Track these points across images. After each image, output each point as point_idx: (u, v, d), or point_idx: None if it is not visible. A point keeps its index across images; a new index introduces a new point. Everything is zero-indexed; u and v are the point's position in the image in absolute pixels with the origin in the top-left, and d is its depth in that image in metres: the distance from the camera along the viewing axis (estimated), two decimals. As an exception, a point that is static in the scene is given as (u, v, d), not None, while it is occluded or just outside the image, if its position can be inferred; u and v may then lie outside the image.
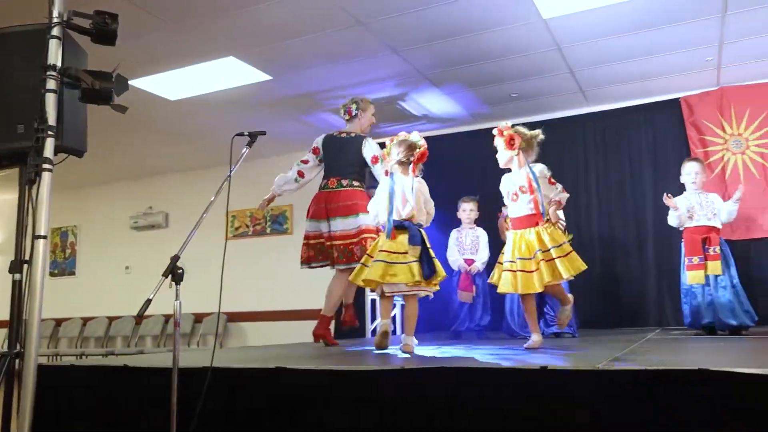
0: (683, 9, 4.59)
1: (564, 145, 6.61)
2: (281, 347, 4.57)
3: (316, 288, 7.54)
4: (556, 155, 6.63)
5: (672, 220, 4.67)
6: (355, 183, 4.38)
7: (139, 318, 2.38)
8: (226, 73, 5.48)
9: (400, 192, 3.43)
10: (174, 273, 2.22)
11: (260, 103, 6.24)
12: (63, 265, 9.41)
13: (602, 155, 6.52)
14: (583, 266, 3.28)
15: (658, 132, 6.31)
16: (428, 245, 3.38)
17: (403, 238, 3.34)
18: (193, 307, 7.59)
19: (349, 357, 3.21)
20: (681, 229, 4.70)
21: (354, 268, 3.61)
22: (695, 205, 4.58)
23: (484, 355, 2.93)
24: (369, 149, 4.42)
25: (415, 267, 3.27)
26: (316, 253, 4.44)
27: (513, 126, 3.61)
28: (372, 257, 3.37)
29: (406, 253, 3.30)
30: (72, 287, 9.20)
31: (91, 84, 2.17)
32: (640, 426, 1.79)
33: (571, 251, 3.29)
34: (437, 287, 3.45)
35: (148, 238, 8.76)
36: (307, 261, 4.51)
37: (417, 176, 3.57)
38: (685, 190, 4.81)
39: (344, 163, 4.43)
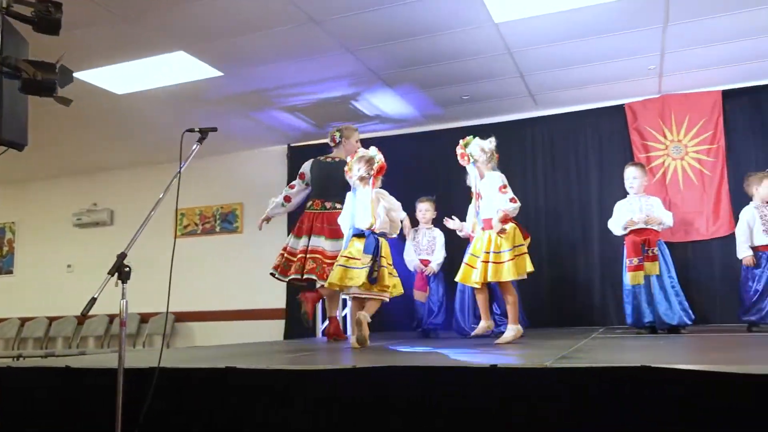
0: (628, 19, 4.74)
1: (513, 148, 6.73)
2: (231, 347, 4.51)
3: (267, 287, 7.50)
4: (506, 157, 6.71)
5: (617, 229, 4.76)
6: (338, 206, 4.54)
7: (82, 318, 2.31)
8: (176, 68, 5.37)
9: (360, 204, 3.78)
10: (121, 271, 2.16)
11: (211, 99, 6.13)
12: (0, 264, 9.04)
13: (550, 158, 6.67)
14: (527, 270, 3.69)
15: (604, 137, 6.50)
16: (382, 255, 3.67)
17: (360, 246, 3.66)
18: (139, 306, 7.39)
19: (300, 356, 3.19)
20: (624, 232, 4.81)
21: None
22: (636, 209, 4.71)
23: (438, 353, 2.96)
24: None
25: (363, 273, 3.59)
26: (285, 266, 4.83)
27: (474, 137, 4.00)
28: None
29: (360, 260, 3.63)
30: (9, 286, 8.84)
31: (32, 74, 2.09)
32: (587, 421, 1.83)
33: (523, 253, 3.69)
34: (391, 294, 3.77)
35: (91, 235, 8.50)
36: (280, 271, 4.86)
37: (378, 188, 3.89)
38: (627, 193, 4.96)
39: (329, 186, 4.79)
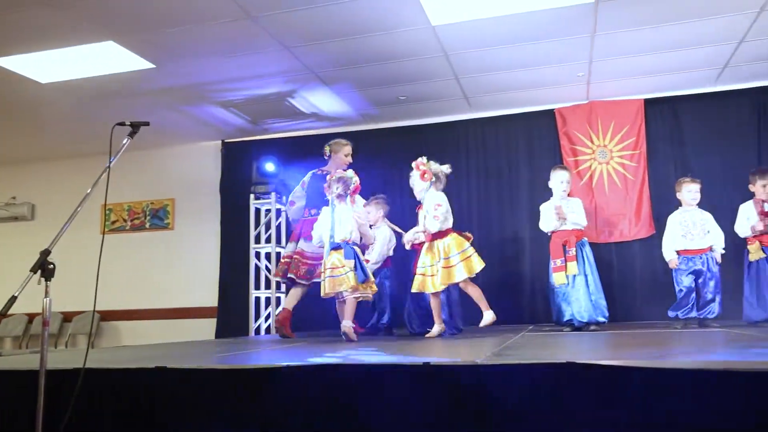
0: (559, 27, 4.91)
1: (447, 149, 6.83)
2: (161, 347, 4.39)
3: (199, 285, 7.36)
4: (440, 158, 6.82)
5: (548, 225, 4.90)
6: None
7: (0, 317, 2.20)
8: (105, 58, 5.18)
9: (338, 220, 4.31)
10: (44, 268, 2.07)
11: (142, 91, 5.94)
12: None
13: (483, 160, 6.82)
14: (480, 266, 4.23)
15: (534, 140, 6.70)
16: (361, 257, 4.27)
17: (340, 255, 4.22)
18: (61, 305, 7.11)
19: (233, 355, 3.14)
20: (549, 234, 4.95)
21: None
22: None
23: (372, 352, 2.98)
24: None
25: (352, 276, 4.14)
26: (282, 270, 5.25)
27: (427, 161, 4.45)
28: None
29: (344, 266, 4.17)
30: None
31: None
32: (517, 416, 1.89)
33: (470, 255, 4.22)
34: (374, 290, 4.36)
35: (10, 231, 8.09)
36: (274, 273, 5.46)
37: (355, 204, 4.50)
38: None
39: (318, 196, 4.98)
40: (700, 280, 4.68)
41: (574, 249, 4.67)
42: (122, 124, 2.54)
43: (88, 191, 2.35)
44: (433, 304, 4.36)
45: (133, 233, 7.77)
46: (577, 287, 4.65)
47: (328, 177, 4.51)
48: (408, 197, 6.50)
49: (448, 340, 4.08)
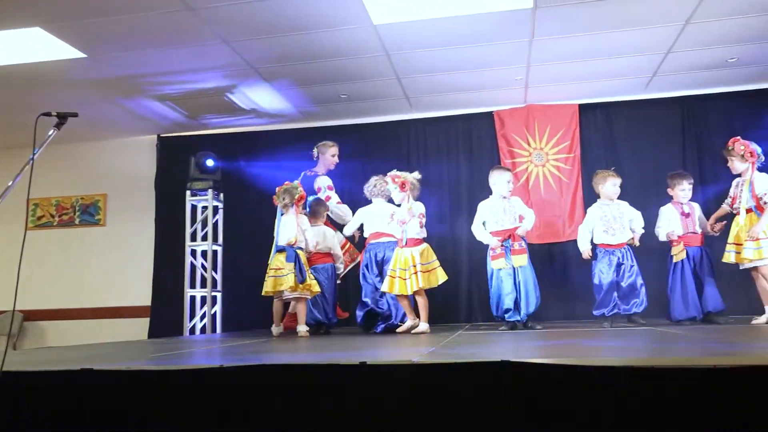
0: (498, 30, 4.99)
1: (389, 149, 6.89)
2: (89, 347, 4.22)
3: (131, 283, 7.14)
4: (381, 158, 6.89)
5: (483, 237, 4.96)
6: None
7: None
8: (31, 45, 4.94)
9: (283, 226, 4.88)
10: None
11: (73, 82, 5.70)
12: None
13: (423, 160, 6.88)
14: (440, 280, 4.53)
15: (474, 141, 6.80)
16: (303, 260, 4.81)
17: (283, 257, 4.78)
18: (-20, 304, 6.75)
19: (165, 356, 3.05)
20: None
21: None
22: (500, 210, 4.93)
23: (312, 351, 2.95)
24: (315, 184, 5.60)
25: (292, 277, 4.71)
26: None
27: (400, 171, 4.68)
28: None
29: (284, 268, 4.74)
30: None
31: None
32: (452, 415, 1.91)
33: (435, 268, 4.52)
34: (315, 291, 4.88)
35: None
36: None
37: (302, 212, 5.05)
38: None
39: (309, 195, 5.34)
40: (620, 273, 4.77)
41: (522, 242, 4.76)
42: (48, 114, 2.43)
43: (9, 184, 2.23)
44: (404, 303, 4.63)
45: (62, 229, 7.45)
46: (519, 279, 4.71)
47: (277, 188, 5.00)
48: (348, 196, 6.52)
49: (388, 337, 4.09)
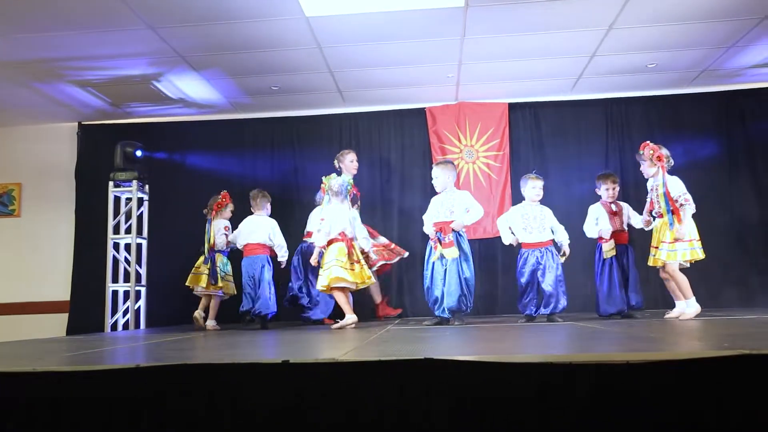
0: (430, 27, 5.03)
1: (321, 143, 6.85)
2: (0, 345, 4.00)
3: (48, 277, 6.81)
4: (313, 152, 6.85)
5: (426, 229, 5.00)
6: None
7: None
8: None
9: (211, 232, 5.60)
10: None
11: (-18, 64, 5.37)
12: None
13: (356, 155, 6.86)
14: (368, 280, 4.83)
15: (407, 137, 6.85)
16: (216, 264, 5.50)
17: (202, 259, 5.58)
18: None
19: (82, 355, 2.93)
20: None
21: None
22: (438, 204, 4.99)
23: (237, 348, 2.89)
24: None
25: (205, 278, 5.49)
26: None
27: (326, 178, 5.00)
28: None
29: (201, 267, 5.56)
30: None
31: None
32: (377, 414, 1.90)
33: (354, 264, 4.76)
34: (228, 292, 5.64)
35: None
36: None
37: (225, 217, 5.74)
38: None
39: None
40: (538, 273, 4.87)
41: (451, 234, 4.79)
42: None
43: None
44: (344, 298, 4.78)
45: (-29, 220, 7.03)
46: (447, 272, 4.75)
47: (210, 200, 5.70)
48: (280, 189, 6.43)
49: (313, 334, 4.06)
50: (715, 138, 6.55)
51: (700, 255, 4.58)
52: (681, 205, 4.57)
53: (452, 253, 4.76)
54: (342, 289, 4.78)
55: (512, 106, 6.73)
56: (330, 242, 4.83)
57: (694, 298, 4.57)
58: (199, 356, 2.58)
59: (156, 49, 5.25)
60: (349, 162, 5.88)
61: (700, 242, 4.60)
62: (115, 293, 6.55)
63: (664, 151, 4.71)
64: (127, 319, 6.49)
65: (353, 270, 4.75)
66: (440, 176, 4.98)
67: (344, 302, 4.79)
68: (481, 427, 1.82)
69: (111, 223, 6.54)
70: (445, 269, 4.76)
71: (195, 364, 2.09)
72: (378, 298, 5.99)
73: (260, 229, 5.39)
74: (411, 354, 2.22)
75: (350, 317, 4.71)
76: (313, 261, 5.01)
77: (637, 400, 1.74)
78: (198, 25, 4.83)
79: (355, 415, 1.92)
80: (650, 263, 4.82)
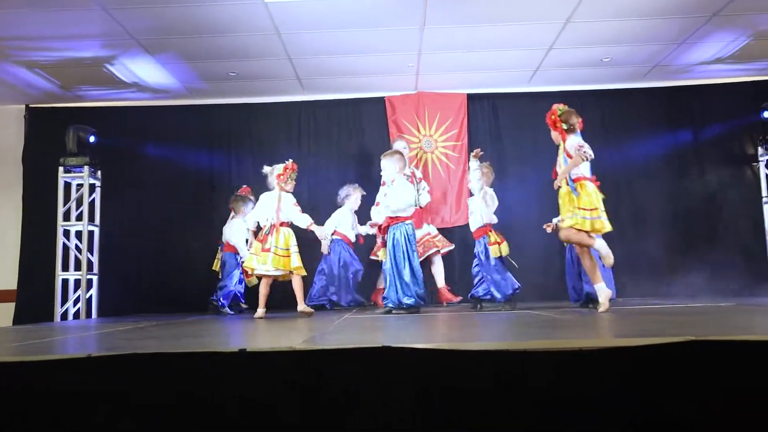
0: (390, 16, 5.01)
1: (280, 131, 6.79)
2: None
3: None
4: (272, 140, 6.77)
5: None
6: None
7: None
8: None
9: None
10: None
11: None
12: None
13: (315, 143, 6.83)
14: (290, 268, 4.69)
15: (365, 126, 6.83)
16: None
17: None
18: None
19: (30, 345, 2.84)
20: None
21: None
22: (381, 197, 5.00)
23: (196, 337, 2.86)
24: None
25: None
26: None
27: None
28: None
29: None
30: None
31: None
32: (334, 401, 1.91)
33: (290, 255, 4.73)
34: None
35: None
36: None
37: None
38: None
39: None
40: (477, 262, 5.08)
41: (384, 235, 4.82)
42: None
43: None
44: (265, 289, 4.77)
45: None
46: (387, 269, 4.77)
47: None
48: (237, 178, 6.34)
49: (271, 323, 4.04)
50: (664, 132, 6.74)
51: (605, 227, 4.06)
52: (576, 152, 4.17)
53: (383, 254, 4.82)
54: (266, 277, 4.80)
55: (471, 97, 6.78)
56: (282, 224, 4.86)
57: (602, 283, 4.14)
58: (154, 346, 2.53)
59: (109, 31, 5.09)
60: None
61: (604, 213, 4.10)
62: (65, 282, 6.38)
63: (561, 113, 4.33)
64: (78, 309, 6.32)
65: (262, 257, 4.71)
66: (386, 167, 4.91)
67: (262, 291, 4.79)
68: (438, 411, 1.85)
69: (61, 209, 6.35)
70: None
71: (150, 353, 2.06)
72: (440, 283, 6.04)
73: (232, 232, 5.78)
74: (368, 342, 2.23)
75: (259, 310, 4.72)
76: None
77: (591, 386, 1.79)
78: (153, 6, 4.71)
79: (312, 403, 1.92)
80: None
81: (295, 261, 4.73)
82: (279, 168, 4.89)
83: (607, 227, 4.07)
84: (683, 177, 6.68)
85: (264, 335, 3.05)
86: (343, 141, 6.81)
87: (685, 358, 1.77)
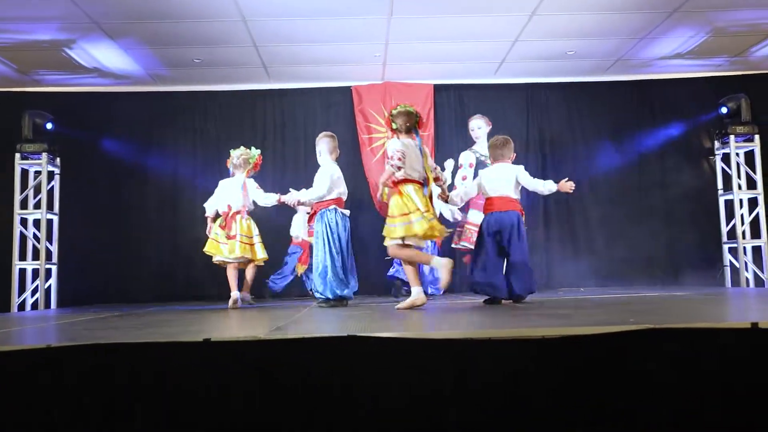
0: (357, 4, 4.99)
1: (245, 119, 6.73)
2: None
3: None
4: (237, 128, 6.70)
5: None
6: None
7: None
8: None
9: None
10: None
11: None
12: None
13: (280, 132, 6.79)
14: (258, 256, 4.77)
15: (332, 115, 6.80)
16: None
17: None
18: None
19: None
20: None
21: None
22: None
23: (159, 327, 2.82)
24: None
25: None
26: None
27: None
28: None
29: None
30: None
31: None
32: (300, 390, 1.91)
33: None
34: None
35: None
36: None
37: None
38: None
39: None
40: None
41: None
42: None
43: None
44: (233, 271, 4.78)
45: None
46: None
47: None
48: (204, 165, 6.27)
49: (236, 313, 4.02)
50: (626, 125, 6.87)
51: (427, 228, 3.70)
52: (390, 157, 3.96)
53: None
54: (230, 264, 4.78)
55: (437, 88, 6.80)
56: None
57: (420, 288, 3.76)
58: (117, 336, 2.50)
59: (67, 13, 4.95)
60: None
61: (427, 214, 3.77)
62: (22, 271, 6.23)
63: (397, 116, 4.07)
64: (37, 299, 6.18)
65: (229, 245, 4.68)
66: (319, 150, 4.79)
67: (231, 276, 4.76)
68: (403, 399, 1.87)
69: (18, 197, 6.19)
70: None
71: (112, 343, 2.03)
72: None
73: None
74: (334, 332, 2.23)
75: (233, 294, 4.66)
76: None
77: (555, 374, 1.83)
78: (114, -10, 4.60)
79: (277, 392, 1.92)
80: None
81: (260, 251, 4.76)
82: (254, 157, 4.95)
83: (437, 229, 3.76)
84: (644, 170, 6.83)
85: (229, 325, 3.02)
86: (309, 130, 6.76)
87: (643, 345, 1.83)
